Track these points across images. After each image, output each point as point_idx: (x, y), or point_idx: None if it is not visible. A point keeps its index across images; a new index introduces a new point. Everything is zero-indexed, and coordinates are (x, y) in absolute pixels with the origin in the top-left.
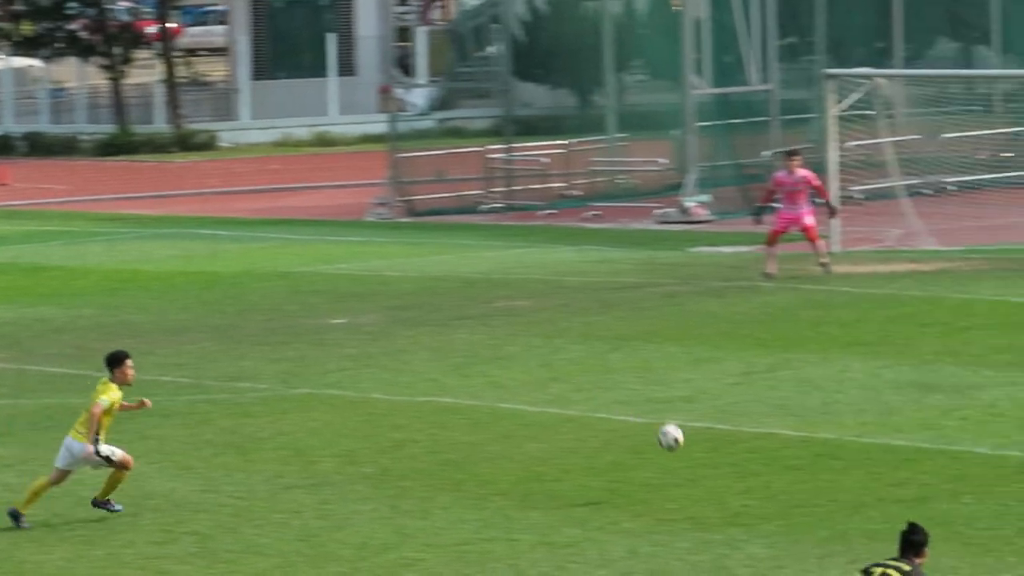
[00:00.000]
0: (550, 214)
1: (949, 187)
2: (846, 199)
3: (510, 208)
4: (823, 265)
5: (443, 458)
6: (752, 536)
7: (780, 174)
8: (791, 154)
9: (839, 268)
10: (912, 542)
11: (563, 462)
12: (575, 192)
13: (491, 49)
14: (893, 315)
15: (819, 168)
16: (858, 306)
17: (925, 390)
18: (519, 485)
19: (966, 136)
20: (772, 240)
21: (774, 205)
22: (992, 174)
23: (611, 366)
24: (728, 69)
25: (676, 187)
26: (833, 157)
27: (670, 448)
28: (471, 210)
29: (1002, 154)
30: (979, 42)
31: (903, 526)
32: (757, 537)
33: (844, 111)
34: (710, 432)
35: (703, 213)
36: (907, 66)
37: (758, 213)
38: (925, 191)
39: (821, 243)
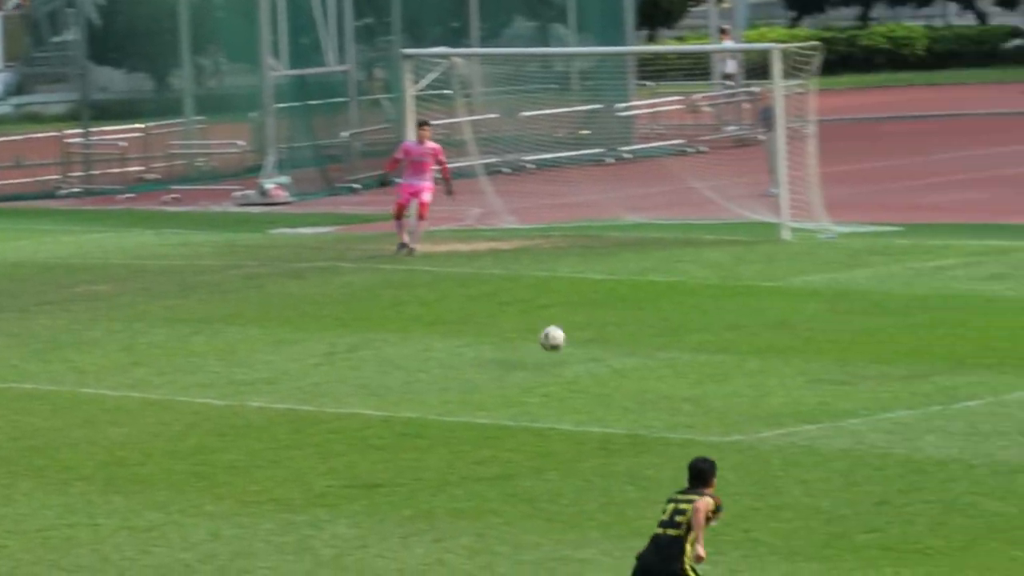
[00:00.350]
0: (129, 198)
1: (528, 165)
2: None
3: (88, 193)
4: (410, 247)
5: (24, 444)
6: (336, 516)
7: (409, 143)
8: (422, 124)
9: (419, 248)
10: (699, 471)
11: (146, 446)
12: (154, 176)
13: (67, 34)
14: (474, 294)
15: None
16: (439, 285)
17: (507, 368)
18: (102, 470)
19: (544, 114)
20: (399, 213)
21: (396, 180)
22: (570, 152)
23: (193, 349)
24: (305, 51)
25: (256, 169)
26: (412, 136)
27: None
28: (49, 195)
29: (580, 132)
30: (555, 20)
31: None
32: (341, 517)
33: (422, 91)
34: (293, 413)
35: (283, 195)
36: (484, 45)
37: (384, 182)
38: (504, 170)
39: (424, 224)
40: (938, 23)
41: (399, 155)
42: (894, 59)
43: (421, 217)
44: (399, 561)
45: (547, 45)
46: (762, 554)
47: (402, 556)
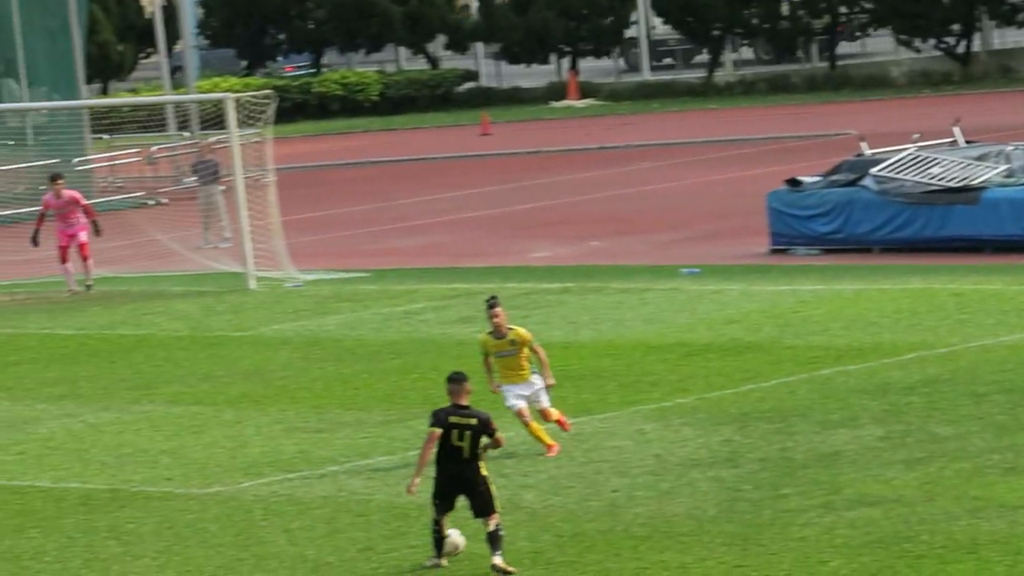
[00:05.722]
0: None
1: None
2: None
3: None
4: (88, 287)
5: None
6: None
7: (48, 196)
8: (54, 178)
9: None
10: (456, 380)
11: None
12: None
13: None
14: None
15: None
16: None
17: None
18: None
19: (1, 170)
20: (64, 257)
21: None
22: (30, 207)
23: None
24: None
25: None
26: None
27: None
28: None
29: (40, 187)
30: (6, 75)
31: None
32: None
33: None
34: None
35: None
36: None
37: (34, 238)
38: None
39: (91, 263)
40: (391, 68)
41: (43, 208)
42: (349, 105)
43: (85, 257)
44: None
45: (0, 101)
46: None
47: None
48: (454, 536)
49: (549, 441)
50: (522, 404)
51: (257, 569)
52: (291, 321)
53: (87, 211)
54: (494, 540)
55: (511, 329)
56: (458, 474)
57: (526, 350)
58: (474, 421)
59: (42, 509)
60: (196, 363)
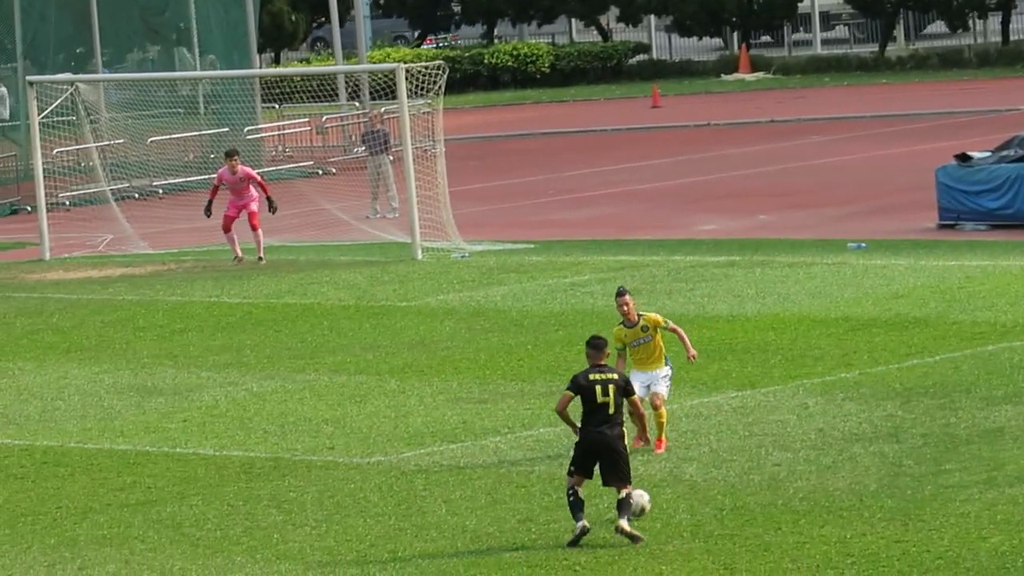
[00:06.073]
0: None
1: (158, 190)
2: (56, 206)
3: None
4: (259, 259)
5: None
6: None
7: (223, 171)
8: (230, 154)
9: (51, 275)
10: (596, 345)
11: None
12: None
13: None
14: (109, 320)
15: (28, 175)
16: (74, 312)
17: (146, 393)
18: None
19: (172, 139)
20: (227, 227)
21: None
22: (200, 175)
23: None
24: None
25: None
26: (39, 164)
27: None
28: None
29: (210, 155)
30: (180, 44)
31: None
32: None
33: (48, 117)
34: None
35: None
36: (108, 70)
37: (207, 208)
38: (134, 195)
39: (260, 233)
40: (562, 40)
41: (216, 182)
42: (520, 77)
43: (254, 227)
44: None
45: (172, 69)
46: (409, 574)
47: None
48: (638, 496)
49: (661, 435)
50: (641, 393)
51: (417, 539)
52: (456, 292)
53: (262, 187)
54: (623, 506)
55: (641, 316)
56: (601, 437)
57: (659, 334)
58: (615, 376)
59: (204, 476)
60: (361, 333)
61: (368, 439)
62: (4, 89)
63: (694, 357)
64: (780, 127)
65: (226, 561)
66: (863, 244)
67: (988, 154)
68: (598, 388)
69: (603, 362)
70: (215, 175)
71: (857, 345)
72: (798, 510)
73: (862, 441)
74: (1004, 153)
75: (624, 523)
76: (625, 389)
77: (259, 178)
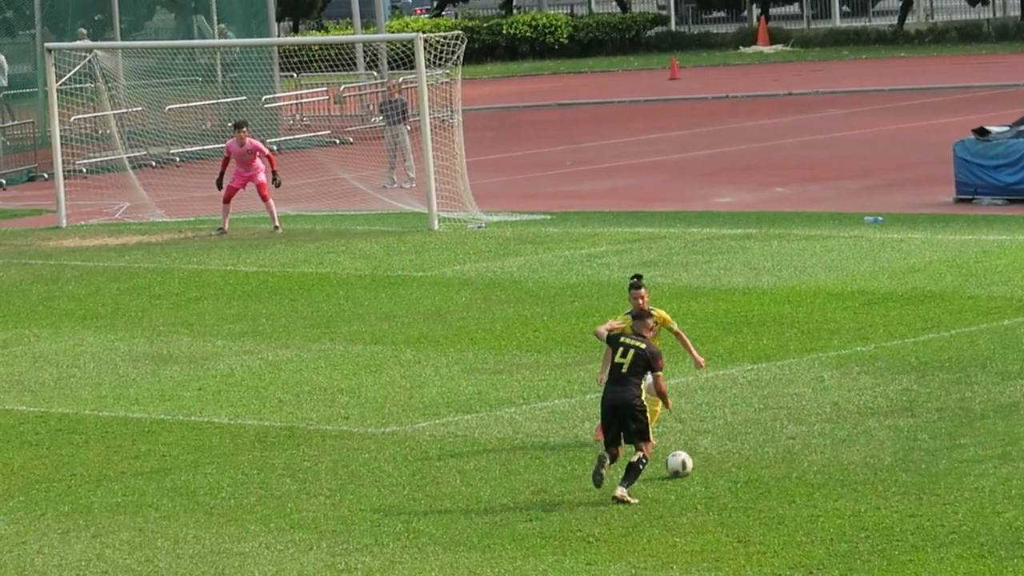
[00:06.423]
0: None
1: (175, 158)
2: (73, 173)
3: None
4: (275, 228)
5: None
6: None
7: (231, 143)
8: (239, 126)
9: (68, 242)
10: (640, 316)
11: None
12: None
13: None
14: (125, 287)
15: (45, 143)
16: (89, 280)
17: (160, 361)
18: None
19: (190, 107)
20: (228, 197)
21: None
22: (217, 144)
23: None
24: None
25: None
26: (56, 131)
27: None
28: None
29: (228, 124)
30: (198, 12)
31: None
32: None
33: (66, 84)
34: None
35: None
36: (126, 38)
37: (219, 181)
38: (151, 163)
39: (271, 203)
40: (581, 11)
41: (225, 155)
42: (538, 48)
43: (264, 197)
44: (58, 557)
45: (190, 37)
46: (423, 544)
47: (61, 552)
48: (677, 458)
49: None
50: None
51: (431, 509)
52: (472, 262)
53: (270, 160)
54: (631, 471)
55: (652, 310)
56: (616, 396)
57: (659, 334)
58: (642, 344)
59: (219, 445)
60: (376, 302)
61: (383, 409)
62: (2, 57)
63: (702, 364)
64: (798, 100)
65: (240, 530)
66: (880, 218)
67: (1006, 128)
68: (620, 348)
69: (645, 334)
70: (211, 145)
71: (873, 319)
72: (812, 483)
73: (877, 415)
74: (1022, 128)
75: (622, 490)
76: (648, 362)
77: (267, 151)
